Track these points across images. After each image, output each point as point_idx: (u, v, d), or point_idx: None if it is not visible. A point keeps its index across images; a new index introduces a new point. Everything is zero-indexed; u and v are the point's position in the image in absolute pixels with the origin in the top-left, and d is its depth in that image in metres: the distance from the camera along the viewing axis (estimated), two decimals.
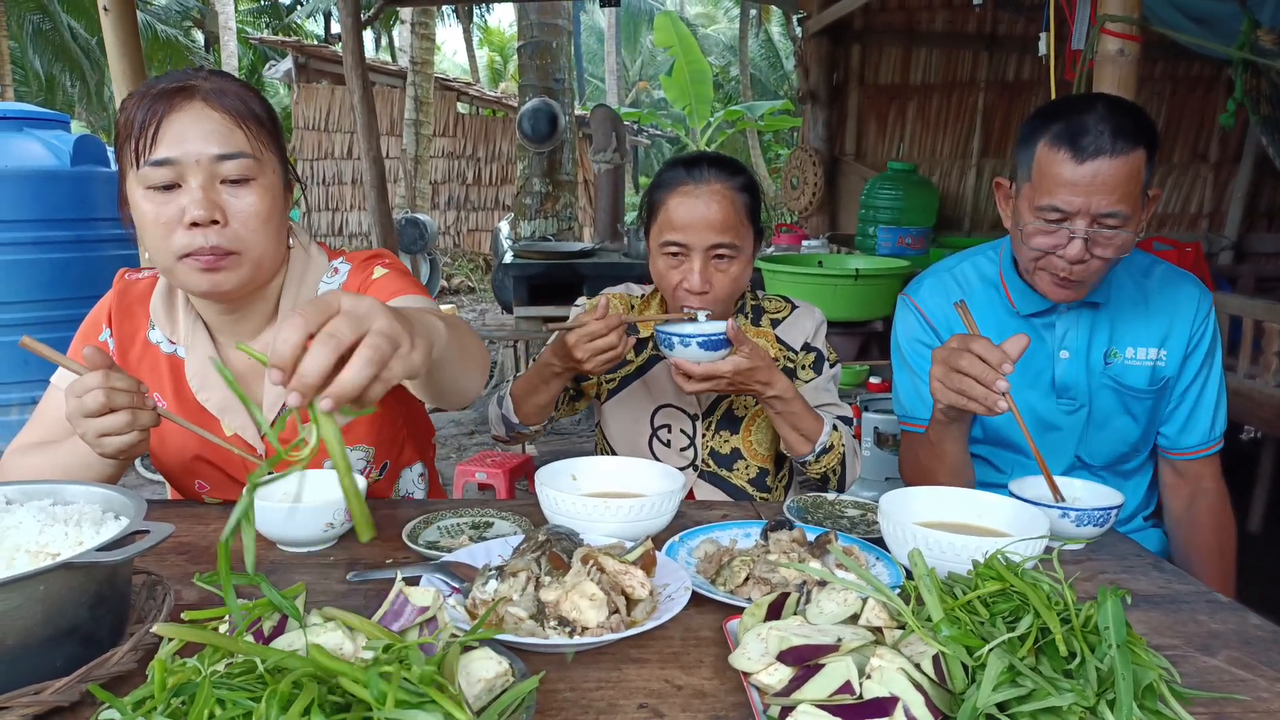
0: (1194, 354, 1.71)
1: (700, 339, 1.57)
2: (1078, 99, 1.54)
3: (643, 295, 1.93)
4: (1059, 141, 1.48)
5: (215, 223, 1.30)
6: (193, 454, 1.51)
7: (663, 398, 1.85)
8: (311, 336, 0.76)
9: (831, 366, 1.87)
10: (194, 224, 1.28)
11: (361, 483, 1.33)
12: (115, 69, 2.54)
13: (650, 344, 1.84)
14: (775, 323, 1.87)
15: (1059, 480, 1.44)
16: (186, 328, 1.49)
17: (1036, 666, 0.83)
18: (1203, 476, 1.80)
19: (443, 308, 8.88)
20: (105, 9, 2.42)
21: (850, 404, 3.36)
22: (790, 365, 1.84)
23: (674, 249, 1.70)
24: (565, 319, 1.97)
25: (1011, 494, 1.37)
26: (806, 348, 1.85)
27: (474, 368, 1.25)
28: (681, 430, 1.84)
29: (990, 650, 0.83)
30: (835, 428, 1.75)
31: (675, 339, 1.58)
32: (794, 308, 1.89)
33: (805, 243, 5.66)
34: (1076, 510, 1.34)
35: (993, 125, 6.75)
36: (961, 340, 1.36)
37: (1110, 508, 1.35)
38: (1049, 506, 1.34)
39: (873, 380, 3.45)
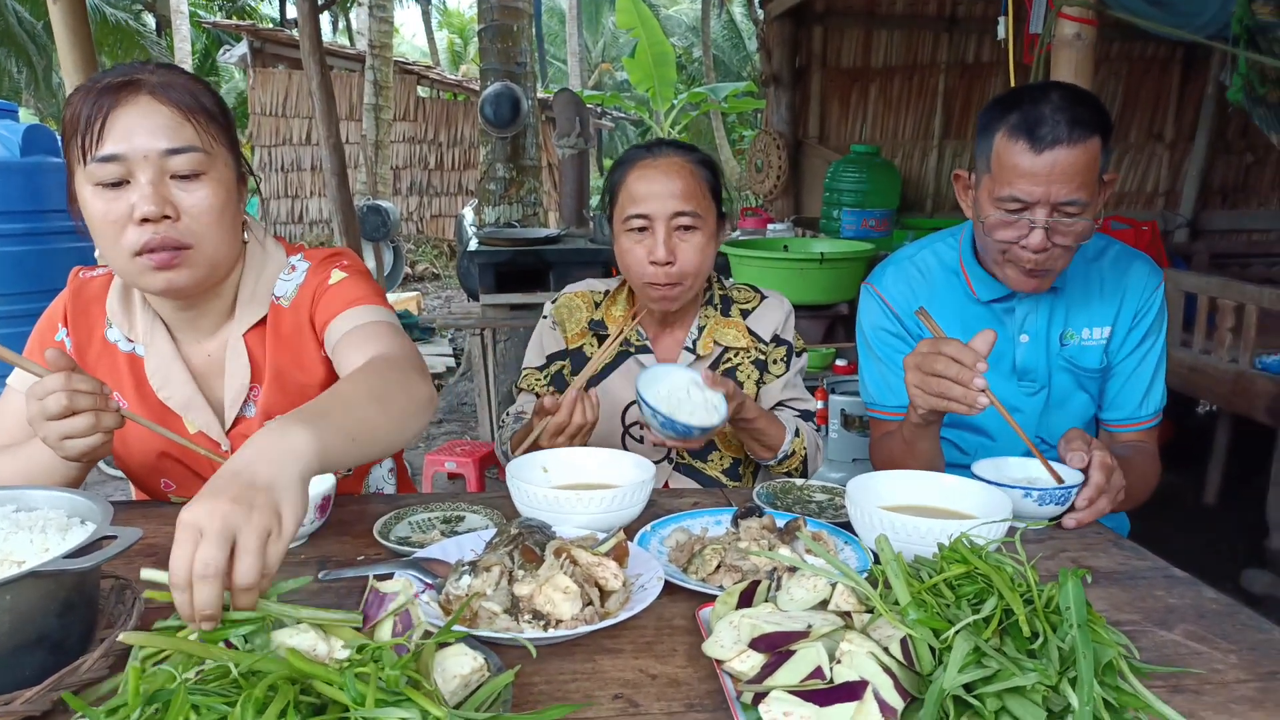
0: (1135, 329, 1.74)
1: (699, 431, 1.54)
2: (1033, 88, 1.56)
3: (606, 291, 1.91)
4: (1017, 132, 1.50)
5: (166, 218, 1.27)
6: (157, 452, 1.49)
7: (633, 394, 1.83)
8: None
9: (799, 357, 1.89)
10: (144, 220, 1.26)
11: (329, 482, 1.33)
12: (65, 60, 2.48)
13: (617, 342, 1.81)
14: (745, 313, 1.87)
15: (1023, 461, 1.48)
16: (145, 326, 1.47)
17: (1001, 647, 0.86)
18: None
19: (406, 296, 8.82)
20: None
21: (816, 387, 3.41)
22: (761, 358, 1.85)
23: (637, 223, 1.71)
24: (533, 306, 1.96)
25: (975, 476, 1.40)
26: (777, 340, 1.86)
27: (396, 432, 1.16)
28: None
29: (956, 633, 0.85)
30: (797, 432, 1.77)
31: (677, 428, 1.53)
32: (763, 297, 1.90)
33: (770, 226, 5.68)
34: (1039, 490, 1.37)
35: (953, 107, 6.80)
36: (932, 344, 1.38)
37: (1071, 486, 1.39)
38: (1011, 487, 1.37)
39: (839, 363, 3.48)
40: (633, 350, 1.84)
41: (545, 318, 1.91)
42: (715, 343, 1.84)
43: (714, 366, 1.84)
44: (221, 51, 16.63)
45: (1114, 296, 1.74)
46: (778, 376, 1.85)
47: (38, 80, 17.76)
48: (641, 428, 1.84)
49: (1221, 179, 6.41)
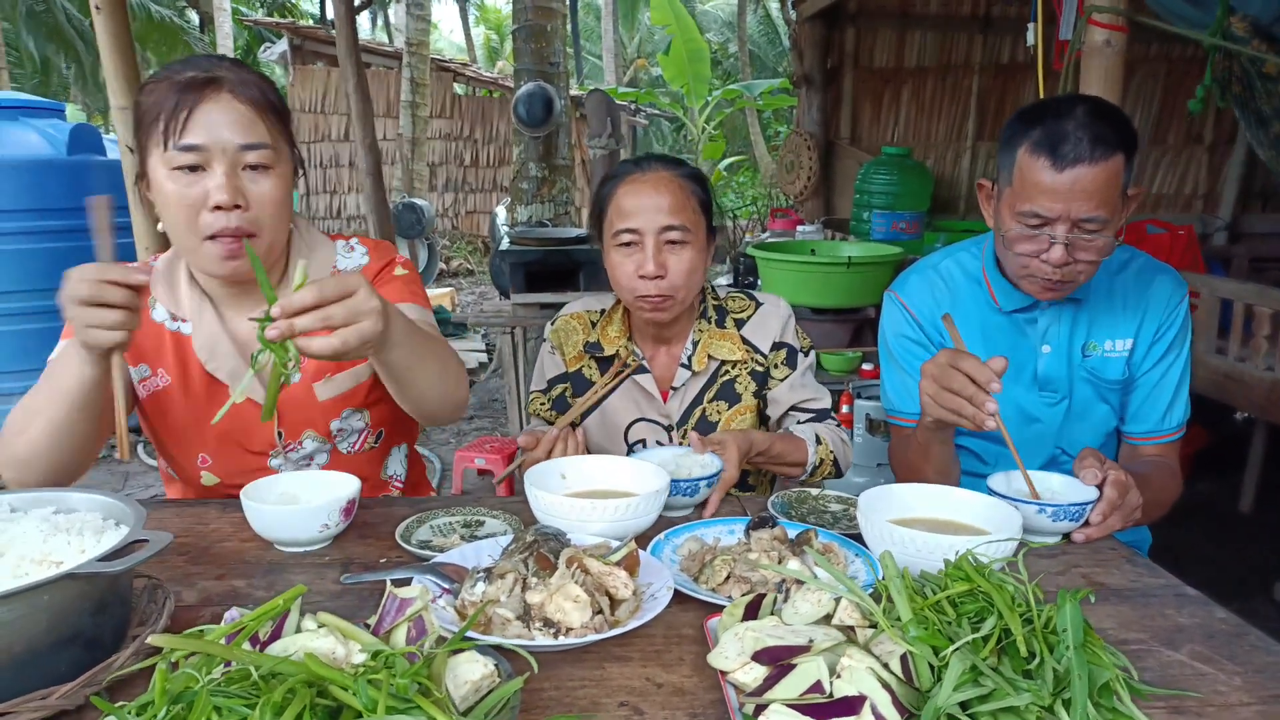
0: (1158, 343, 1.73)
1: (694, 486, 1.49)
2: (1057, 103, 1.56)
3: (602, 310, 1.92)
4: (1039, 149, 1.51)
5: (237, 206, 1.41)
6: (195, 424, 1.57)
7: (633, 413, 1.85)
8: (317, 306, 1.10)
9: (806, 355, 1.87)
10: (218, 207, 1.39)
11: (354, 485, 1.38)
12: (109, 68, 2.55)
13: (615, 365, 1.85)
14: (740, 323, 1.86)
15: (1038, 475, 1.48)
16: (192, 303, 1.56)
17: (998, 666, 0.87)
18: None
19: (440, 291, 8.92)
20: (97, 8, 2.42)
21: (842, 391, 3.41)
22: (760, 368, 1.85)
23: (626, 237, 1.71)
24: (561, 306, 1.98)
25: (990, 490, 1.41)
26: (776, 346, 1.85)
27: (445, 390, 1.44)
28: (658, 442, 1.85)
29: (954, 651, 0.87)
30: (819, 440, 1.77)
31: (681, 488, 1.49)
32: (758, 305, 1.88)
33: (800, 228, 5.67)
34: (1053, 506, 1.38)
35: (987, 108, 6.74)
36: (951, 358, 1.40)
37: (1085, 503, 1.39)
38: (1026, 503, 1.38)
39: (865, 367, 3.48)
40: (628, 369, 1.84)
41: (545, 341, 1.93)
42: (710, 357, 1.83)
43: (711, 381, 1.85)
44: (262, 48, 16.90)
45: (1137, 308, 1.74)
46: (782, 380, 1.85)
47: (85, 76, 18.15)
48: (644, 445, 1.84)
49: (1263, 182, 6.28)
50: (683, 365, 1.84)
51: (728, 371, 1.85)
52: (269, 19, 17.80)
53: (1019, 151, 1.55)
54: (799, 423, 1.83)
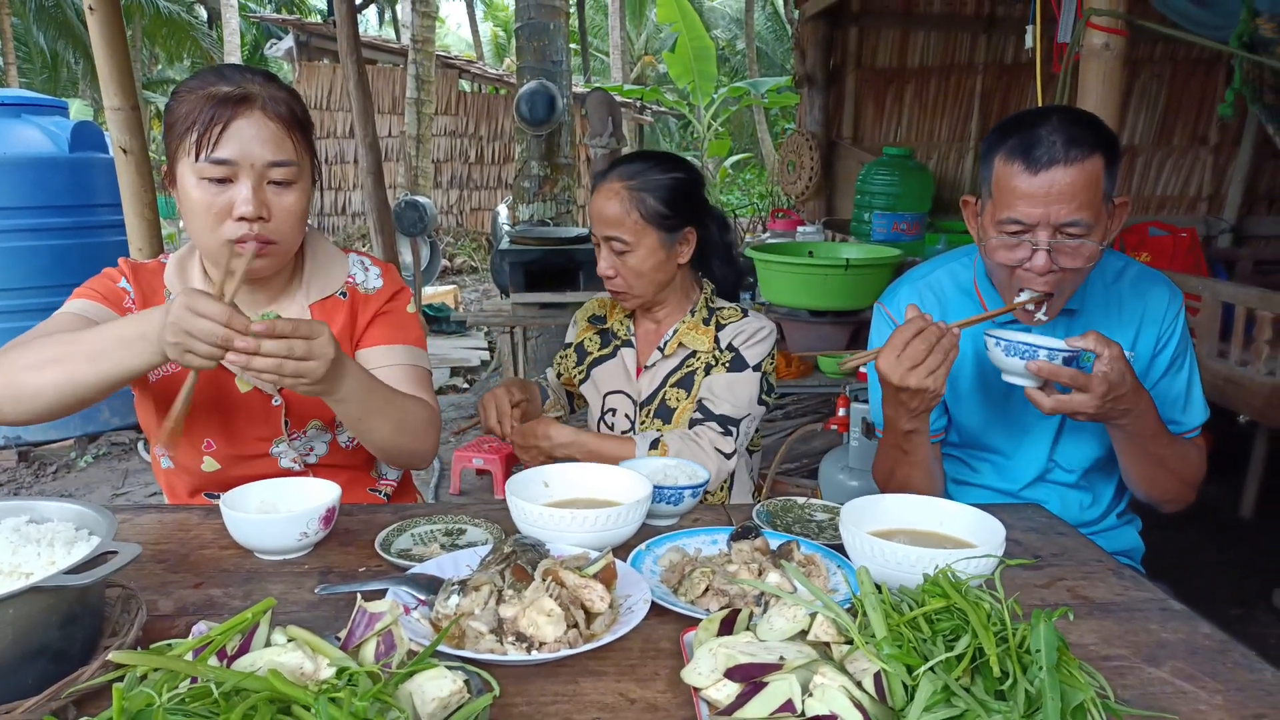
0: (1161, 354, 1.71)
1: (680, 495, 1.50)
2: (1032, 112, 1.55)
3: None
4: (1013, 155, 1.50)
5: (261, 218, 1.45)
6: (203, 410, 1.58)
7: (613, 384, 2.04)
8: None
9: (755, 371, 1.89)
10: (243, 218, 1.43)
11: (334, 493, 1.37)
12: (102, 69, 2.54)
13: (609, 336, 2.07)
14: (720, 326, 1.96)
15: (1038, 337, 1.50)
16: None
17: (970, 686, 0.86)
18: None
19: (443, 289, 8.92)
20: (90, 8, 2.41)
21: (839, 395, 3.39)
22: (713, 362, 1.93)
23: (595, 238, 1.93)
24: (563, 305, 2.09)
25: (990, 338, 1.49)
26: (731, 349, 1.91)
27: (400, 444, 1.55)
28: (625, 415, 2.02)
29: (925, 671, 0.86)
30: (656, 444, 1.80)
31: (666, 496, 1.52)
32: (745, 315, 1.98)
33: (800, 229, 5.65)
34: (1006, 340, 1.47)
35: (991, 108, 6.71)
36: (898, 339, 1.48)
37: (1039, 346, 1.44)
38: (989, 335, 1.48)
39: (863, 370, 3.45)
40: (618, 342, 2.05)
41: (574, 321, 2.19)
42: (681, 345, 1.95)
43: (677, 368, 1.97)
44: (269, 45, 16.88)
45: (1133, 319, 1.72)
46: (715, 376, 1.90)
47: (94, 71, 18.15)
48: (614, 415, 2.03)
49: (1268, 184, 6.24)
50: (658, 349, 1.99)
51: (691, 364, 1.96)
52: (275, 15, 17.81)
53: (995, 161, 1.54)
54: (690, 426, 1.88)
